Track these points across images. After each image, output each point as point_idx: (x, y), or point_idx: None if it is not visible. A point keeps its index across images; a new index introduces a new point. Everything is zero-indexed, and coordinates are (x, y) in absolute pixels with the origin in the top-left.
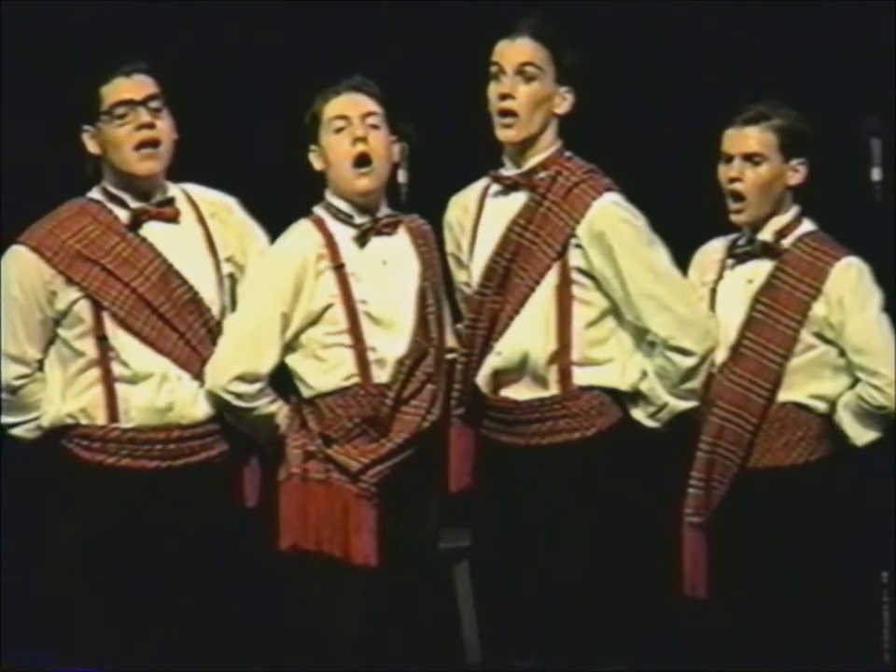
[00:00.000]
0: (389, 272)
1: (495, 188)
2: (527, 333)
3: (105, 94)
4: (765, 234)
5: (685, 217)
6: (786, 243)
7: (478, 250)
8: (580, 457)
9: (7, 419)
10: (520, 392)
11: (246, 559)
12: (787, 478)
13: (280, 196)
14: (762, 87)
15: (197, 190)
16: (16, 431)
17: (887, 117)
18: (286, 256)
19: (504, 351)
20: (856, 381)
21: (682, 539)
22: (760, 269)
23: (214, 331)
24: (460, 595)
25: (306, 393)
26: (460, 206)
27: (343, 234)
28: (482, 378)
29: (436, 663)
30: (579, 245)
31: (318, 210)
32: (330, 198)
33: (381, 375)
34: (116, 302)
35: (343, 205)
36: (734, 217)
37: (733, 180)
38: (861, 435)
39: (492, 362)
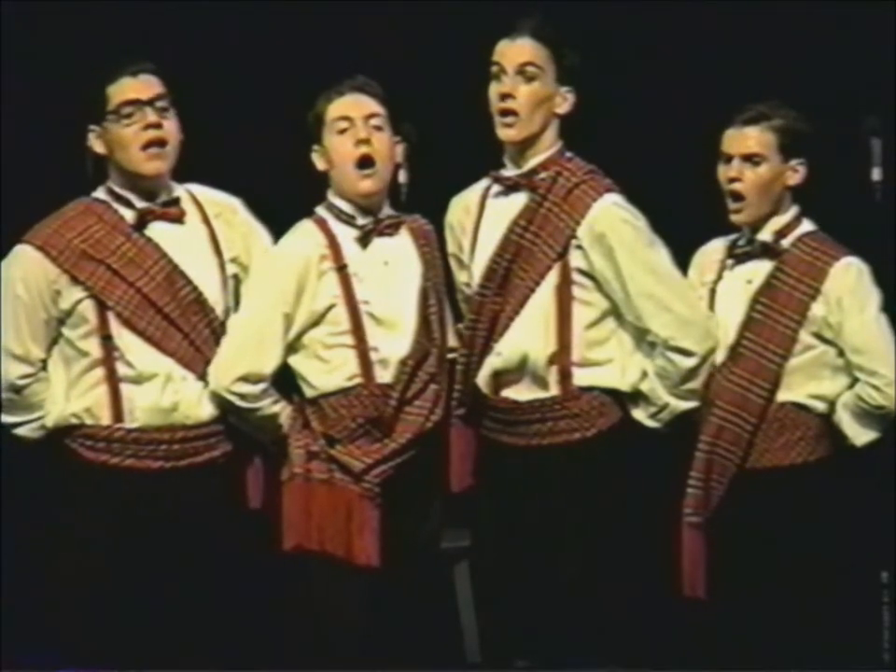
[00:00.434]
0: (391, 272)
1: (495, 188)
2: (527, 334)
3: (111, 94)
4: (765, 234)
5: (685, 217)
6: (785, 243)
7: (479, 251)
8: (580, 458)
9: (10, 419)
10: (520, 393)
11: (249, 559)
12: (786, 478)
13: (283, 196)
14: (762, 87)
15: (202, 191)
16: (19, 431)
17: (887, 117)
18: (288, 256)
19: (504, 351)
20: (855, 381)
21: (681, 538)
22: (759, 269)
23: (218, 332)
24: (460, 595)
25: (309, 393)
26: (461, 207)
27: (346, 235)
28: (482, 379)
29: (436, 663)
30: (579, 246)
31: (320, 210)
32: (333, 198)
33: (384, 375)
34: (121, 302)
35: (345, 206)
36: (733, 217)
37: (732, 180)
38: (860, 435)
39: (492, 363)
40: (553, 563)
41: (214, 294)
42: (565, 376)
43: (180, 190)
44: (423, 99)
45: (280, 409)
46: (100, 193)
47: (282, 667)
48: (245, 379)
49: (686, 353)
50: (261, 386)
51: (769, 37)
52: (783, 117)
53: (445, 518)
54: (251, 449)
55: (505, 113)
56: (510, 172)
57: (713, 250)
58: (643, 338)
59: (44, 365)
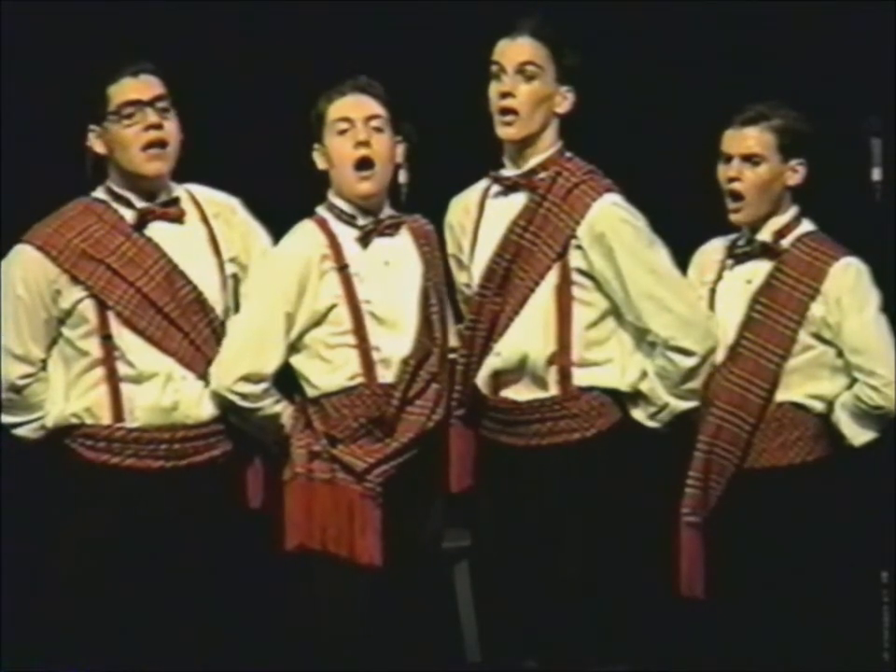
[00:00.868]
0: (392, 272)
1: (495, 188)
2: (527, 334)
3: (112, 94)
4: (764, 235)
5: (685, 217)
6: (785, 243)
7: (478, 251)
8: (579, 458)
9: (10, 419)
10: (520, 393)
11: (250, 559)
12: (784, 478)
13: (282, 196)
14: (762, 87)
15: (201, 191)
16: (20, 431)
17: (887, 117)
18: (290, 256)
19: (503, 352)
20: (854, 381)
21: (679, 538)
22: (759, 269)
23: (218, 331)
24: (460, 595)
25: (311, 393)
26: (461, 208)
27: (346, 235)
28: (481, 379)
29: (436, 663)
30: (579, 246)
31: (321, 210)
32: (333, 198)
33: (386, 375)
34: (121, 302)
35: (345, 206)
36: (732, 217)
37: (731, 180)
38: (858, 435)
39: (491, 363)
40: (553, 563)
41: (213, 294)
42: (564, 376)
43: (179, 190)
44: (423, 99)
45: (282, 409)
46: (99, 193)
47: (283, 667)
48: (246, 379)
49: (686, 353)
50: (263, 386)
51: (769, 37)
52: (783, 117)
53: (445, 518)
54: (251, 449)
55: (505, 112)
56: (509, 172)
57: (713, 250)
58: (643, 338)
59: (44, 365)
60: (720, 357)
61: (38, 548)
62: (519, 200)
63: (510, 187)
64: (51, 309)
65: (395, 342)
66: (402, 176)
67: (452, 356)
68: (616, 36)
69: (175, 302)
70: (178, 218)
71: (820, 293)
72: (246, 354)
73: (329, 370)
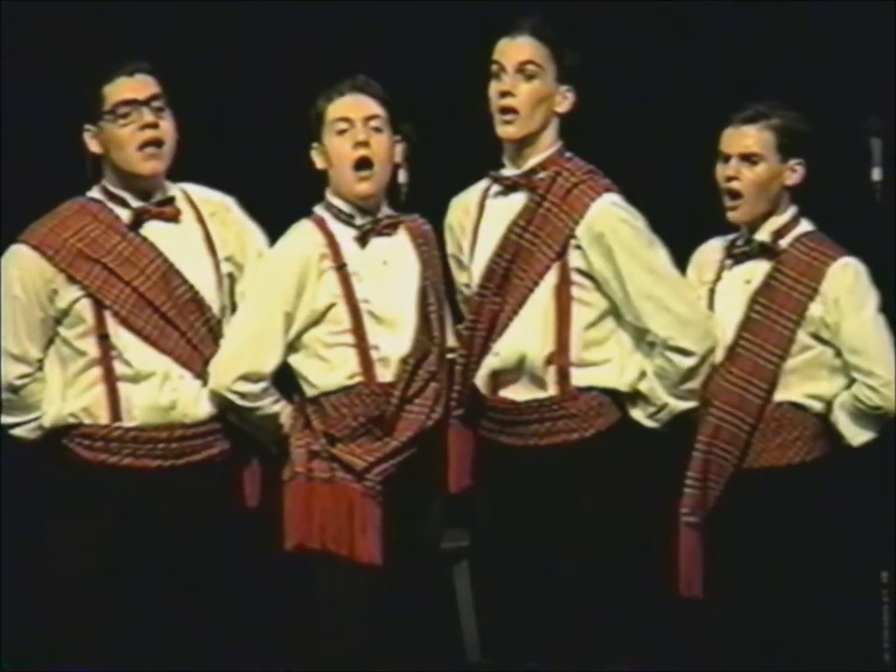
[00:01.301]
0: (390, 271)
1: (495, 188)
2: (526, 334)
3: (107, 94)
4: (763, 234)
5: (684, 217)
6: (783, 243)
7: (478, 251)
8: (578, 458)
9: (8, 419)
10: (518, 393)
11: (249, 558)
12: (783, 478)
13: (278, 196)
14: (762, 87)
15: (196, 190)
16: (17, 431)
17: (887, 117)
18: (288, 256)
19: (502, 352)
20: (852, 381)
21: (678, 538)
22: (757, 269)
23: (215, 330)
24: (460, 595)
25: (310, 392)
26: (461, 208)
27: (345, 234)
28: (480, 379)
29: (436, 663)
30: (578, 246)
31: (319, 210)
32: (331, 198)
33: (384, 374)
34: (117, 301)
35: (343, 206)
36: (729, 215)
37: (729, 179)
38: (857, 435)
39: (490, 363)
40: (552, 563)
41: (210, 293)
42: (563, 376)
43: (175, 190)
44: (422, 99)
45: (281, 408)
46: (95, 193)
47: (282, 667)
48: (245, 378)
49: (685, 352)
50: (262, 385)
51: (769, 37)
52: (782, 116)
53: (445, 518)
54: (249, 448)
55: (505, 111)
56: (509, 172)
57: (712, 249)
58: (642, 338)
59: (41, 365)
60: (718, 356)
61: (37, 548)
62: (519, 200)
63: (509, 186)
64: (48, 309)
65: (393, 341)
66: (401, 176)
67: (450, 355)
68: (616, 36)
69: (171, 302)
70: (174, 218)
71: (819, 293)
72: (245, 353)
73: (328, 369)
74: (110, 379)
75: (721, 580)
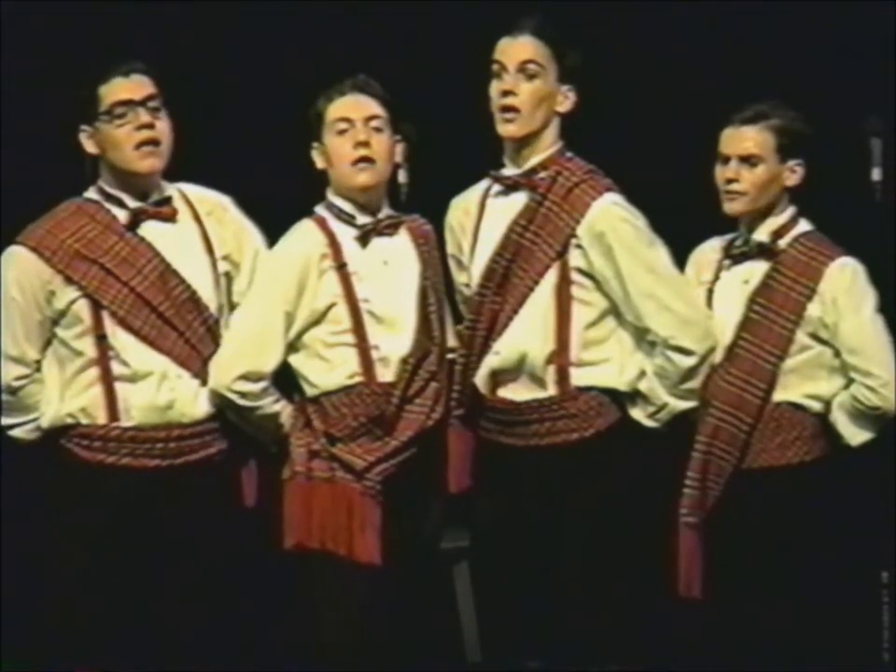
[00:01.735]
0: (391, 271)
1: (495, 188)
2: (526, 333)
3: (103, 94)
4: (761, 235)
5: (685, 217)
6: (782, 243)
7: (478, 251)
8: (578, 458)
9: (6, 420)
10: (518, 393)
11: (247, 558)
12: (782, 478)
13: (276, 196)
14: (761, 87)
15: (192, 189)
16: (15, 433)
17: (887, 117)
18: (289, 255)
19: (502, 351)
20: (851, 381)
21: (677, 539)
22: (756, 269)
23: (213, 330)
24: (460, 595)
25: (310, 392)
26: (461, 208)
27: (345, 234)
28: (480, 378)
29: (436, 663)
30: (579, 245)
31: (320, 210)
32: (332, 197)
33: (385, 374)
34: (115, 302)
35: (344, 205)
36: (726, 207)
37: (730, 181)
38: (856, 435)
39: (490, 362)
40: (553, 563)
41: (207, 292)
42: (562, 376)
43: (171, 189)
44: (423, 99)
45: (281, 408)
46: (91, 193)
47: (282, 666)
48: (245, 377)
49: (685, 352)
50: (262, 385)
51: (769, 37)
52: (781, 116)
53: (445, 518)
54: (247, 447)
55: (506, 110)
56: (509, 171)
57: (710, 249)
58: (642, 338)
59: (39, 366)
60: (717, 357)
61: (36, 548)
62: (519, 199)
63: (510, 186)
64: (45, 310)
65: (394, 341)
66: (401, 176)
67: (450, 356)
68: (616, 35)
69: (169, 301)
70: (171, 217)
71: (817, 293)
72: (246, 352)
73: (328, 368)
74: (108, 379)
75: (720, 580)
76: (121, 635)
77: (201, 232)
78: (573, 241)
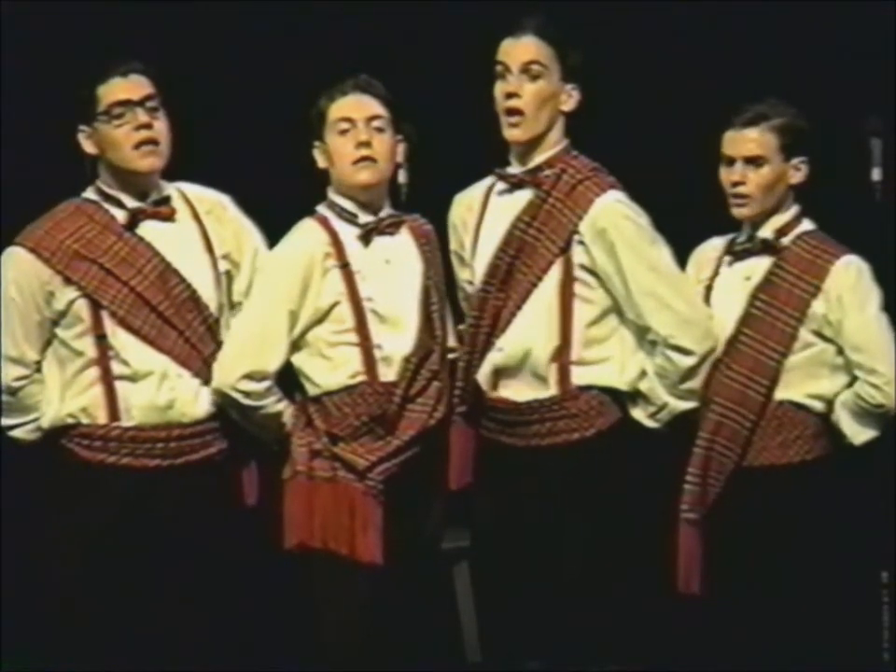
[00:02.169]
0: (393, 270)
1: (500, 186)
2: (530, 329)
3: (101, 95)
4: (765, 232)
5: (689, 216)
6: (785, 240)
7: (481, 247)
8: (579, 458)
9: (6, 421)
10: (519, 392)
11: (248, 558)
12: (784, 477)
13: (274, 195)
14: (761, 87)
15: (191, 189)
16: (15, 433)
17: (887, 117)
18: (293, 254)
19: (506, 347)
20: (854, 380)
21: (678, 535)
22: (757, 266)
23: (213, 329)
24: (460, 595)
25: (312, 391)
26: (464, 205)
27: (348, 233)
28: (482, 375)
29: (436, 663)
30: (581, 242)
31: (322, 209)
32: (333, 196)
33: (387, 373)
34: (115, 301)
35: (346, 204)
36: (735, 212)
37: (736, 184)
38: (859, 434)
39: (493, 358)
40: (553, 563)
41: (207, 291)
42: (564, 375)
43: (170, 189)
44: (427, 99)
45: (283, 407)
46: (90, 194)
47: (282, 666)
48: (249, 377)
49: (685, 351)
50: (265, 384)
51: (769, 37)
52: (782, 115)
53: (446, 518)
54: (247, 446)
55: (510, 112)
56: (514, 169)
57: (711, 248)
58: (643, 337)
59: (38, 367)
60: (718, 353)
61: (36, 548)
62: (523, 196)
63: (515, 184)
64: (44, 310)
65: (396, 340)
66: (402, 177)
67: (452, 356)
68: (618, 34)
69: (168, 301)
70: (170, 217)
71: (822, 290)
72: (249, 352)
73: (331, 368)
74: (108, 379)
75: (719, 579)
76: (121, 635)
77: (200, 231)
78: (576, 237)
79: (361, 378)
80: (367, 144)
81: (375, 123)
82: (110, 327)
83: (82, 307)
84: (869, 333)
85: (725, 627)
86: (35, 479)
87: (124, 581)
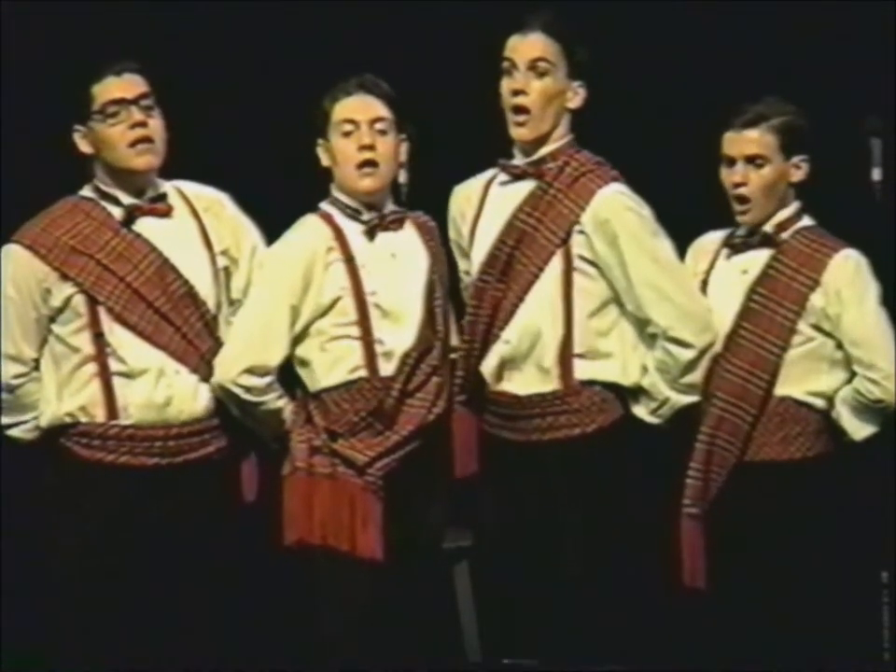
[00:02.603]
0: (399, 264)
1: (501, 177)
2: (535, 320)
3: (96, 94)
4: (766, 227)
5: (691, 211)
6: (784, 235)
7: (479, 238)
8: (580, 454)
9: (5, 419)
10: (522, 386)
11: (247, 556)
12: (785, 473)
13: (272, 194)
14: (761, 87)
15: (189, 186)
16: (13, 432)
17: (887, 117)
18: (295, 249)
19: (513, 339)
20: (853, 376)
21: (680, 529)
22: (755, 259)
23: (210, 325)
24: (460, 595)
25: (312, 387)
26: (463, 195)
27: (352, 229)
28: (487, 367)
29: (436, 662)
30: (582, 232)
31: (325, 206)
32: (337, 193)
33: (387, 368)
34: (111, 297)
35: (350, 201)
36: (739, 219)
37: (737, 185)
38: (859, 430)
39: (499, 350)
40: (555, 560)
41: (205, 287)
42: (566, 369)
43: (167, 186)
44: (430, 97)
45: (284, 404)
46: (87, 191)
47: (282, 664)
48: (251, 371)
49: (684, 344)
50: (267, 380)
51: (769, 37)
52: (781, 115)
53: (447, 514)
54: (246, 443)
55: (517, 110)
56: (518, 161)
57: (710, 240)
58: (644, 331)
59: (37, 365)
60: (717, 347)
61: (36, 547)
62: (524, 188)
63: (517, 175)
64: (41, 308)
65: (398, 335)
66: (402, 176)
67: (453, 356)
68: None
69: (165, 297)
70: (167, 214)
71: (820, 284)
72: (251, 346)
73: (331, 362)
74: (105, 376)
75: (719, 577)
76: (121, 633)
77: (198, 228)
78: (576, 227)
79: (361, 373)
80: (370, 147)
81: (379, 126)
82: (107, 323)
83: (79, 303)
84: (867, 328)
85: (724, 626)
86: (35, 478)
87: (124, 580)
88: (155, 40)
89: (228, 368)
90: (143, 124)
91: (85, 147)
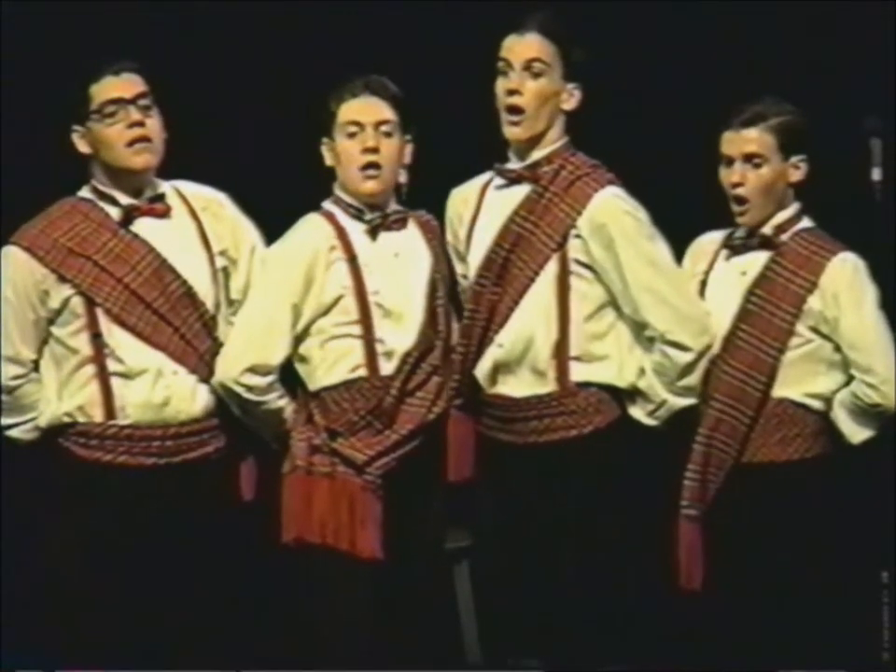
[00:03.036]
0: (401, 263)
1: (497, 181)
2: (530, 324)
3: (94, 94)
4: (765, 228)
5: (688, 213)
6: (784, 237)
7: (475, 242)
8: (577, 456)
9: (4, 421)
10: (517, 388)
11: (247, 555)
12: (782, 474)
13: (272, 194)
14: (761, 87)
15: (187, 186)
16: (12, 433)
17: (887, 117)
18: (297, 248)
19: (506, 343)
20: (851, 378)
21: (678, 531)
22: (754, 261)
23: (209, 325)
24: (460, 595)
25: (312, 386)
26: (460, 198)
27: (354, 228)
28: (481, 371)
29: (436, 663)
30: (578, 236)
31: (328, 205)
32: (339, 193)
33: (387, 368)
34: (109, 298)
35: (352, 201)
36: (739, 220)
37: (735, 185)
38: (856, 433)
39: (494, 354)
40: (553, 561)
41: (204, 287)
42: (563, 371)
43: (165, 186)
44: (429, 97)
45: (285, 404)
46: (85, 192)
47: (281, 662)
48: (252, 370)
49: (682, 347)
50: (269, 379)
51: (769, 37)
52: (780, 114)
53: (447, 513)
54: (244, 442)
55: (511, 110)
56: (513, 165)
57: (708, 241)
58: (641, 334)
59: (35, 366)
60: (715, 348)
61: (34, 548)
62: (520, 191)
63: (513, 179)
64: (39, 309)
65: (399, 334)
66: (402, 176)
67: (454, 355)
68: (616, 34)
69: (163, 297)
70: (165, 214)
71: (818, 287)
72: (253, 345)
73: (332, 361)
74: (103, 376)
75: (718, 578)
76: (120, 633)
77: (197, 228)
78: (573, 231)
79: (361, 372)
80: (374, 150)
81: (384, 128)
82: (105, 324)
83: (77, 304)
84: (865, 331)
85: (724, 626)
86: (35, 479)
87: (123, 580)
88: (154, 40)
89: (230, 366)
90: (141, 124)
91: (83, 146)
